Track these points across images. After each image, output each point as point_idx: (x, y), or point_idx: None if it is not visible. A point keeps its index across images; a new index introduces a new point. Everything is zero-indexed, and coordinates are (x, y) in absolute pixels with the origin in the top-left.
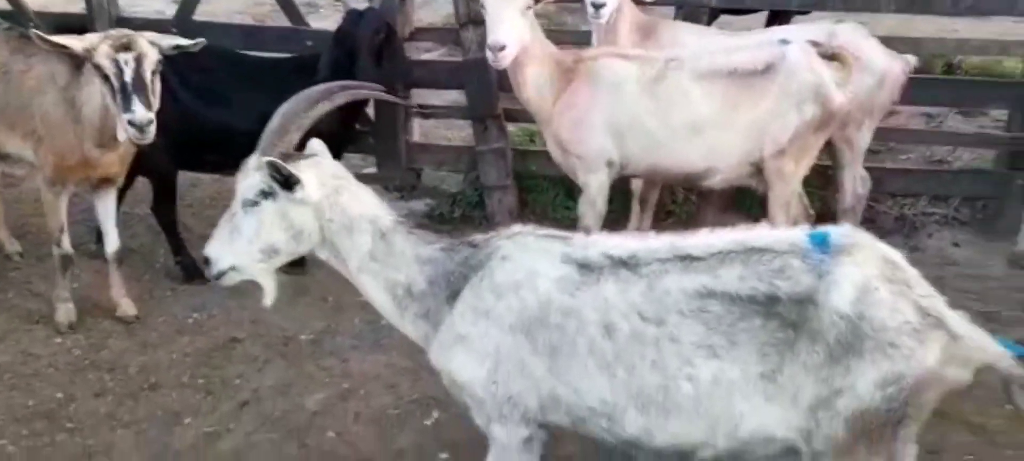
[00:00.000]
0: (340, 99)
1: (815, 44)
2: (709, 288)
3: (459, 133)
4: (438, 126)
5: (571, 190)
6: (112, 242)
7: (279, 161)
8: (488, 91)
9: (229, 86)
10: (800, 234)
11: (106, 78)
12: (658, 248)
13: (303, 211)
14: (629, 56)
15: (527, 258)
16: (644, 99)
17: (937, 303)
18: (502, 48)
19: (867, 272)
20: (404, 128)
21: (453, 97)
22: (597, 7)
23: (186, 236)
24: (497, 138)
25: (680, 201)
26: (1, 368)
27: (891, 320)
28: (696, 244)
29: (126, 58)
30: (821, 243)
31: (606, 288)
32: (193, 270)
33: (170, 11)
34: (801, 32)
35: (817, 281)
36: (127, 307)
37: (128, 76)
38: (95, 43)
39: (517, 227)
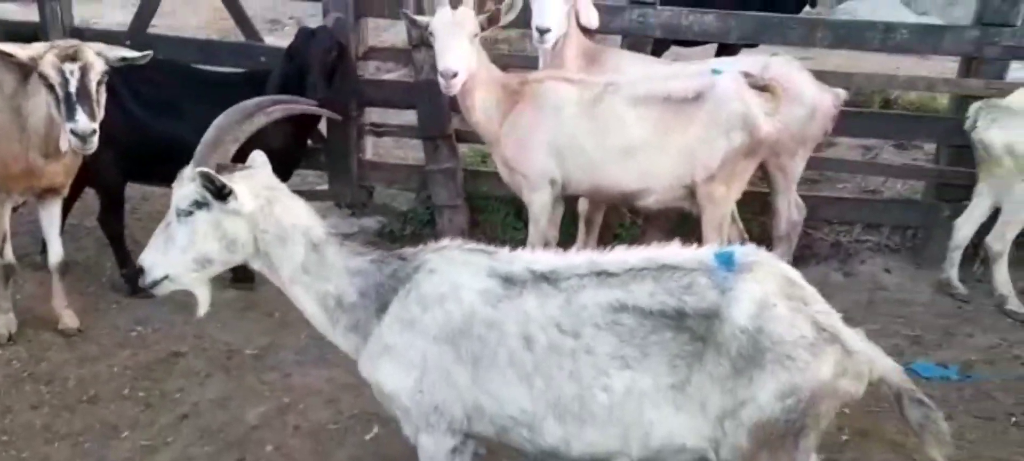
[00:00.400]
0: (276, 113)
1: (747, 75)
2: (622, 302)
3: (411, 152)
4: (391, 145)
5: (520, 211)
6: (55, 253)
7: (211, 172)
8: (439, 112)
9: (179, 99)
10: (708, 253)
11: (51, 87)
12: (578, 264)
13: (236, 221)
14: (571, 80)
15: (453, 271)
16: (583, 121)
17: (833, 319)
18: (454, 75)
19: (767, 288)
20: (357, 146)
21: (406, 117)
22: (542, 32)
23: (134, 249)
24: (448, 158)
25: (627, 224)
26: None
27: (788, 334)
28: (612, 260)
29: (71, 68)
30: (726, 261)
31: (527, 301)
32: (137, 284)
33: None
34: (738, 63)
35: (721, 297)
36: (69, 319)
37: (73, 86)
38: (41, 52)
39: (445, 241)
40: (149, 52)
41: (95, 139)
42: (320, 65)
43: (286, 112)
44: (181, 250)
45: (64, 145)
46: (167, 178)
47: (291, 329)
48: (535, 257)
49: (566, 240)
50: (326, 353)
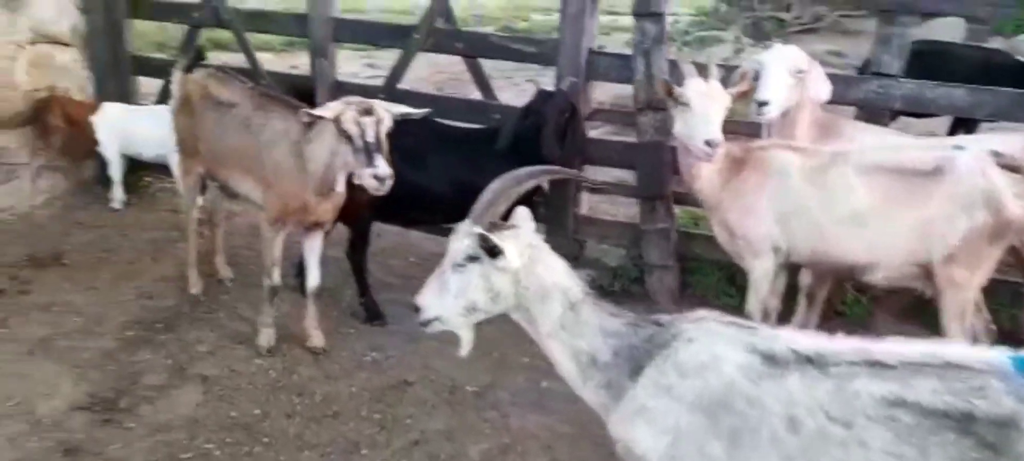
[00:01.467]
0: (543, 179)
1: (996, 153)
2: (900, 397)
3: (622, 209)
4: (603, 201)
5: (734, 276)
6: (314, 279)
7: (487, 234)
8: (659, 173)
9: (425, 150)
10: (1001, 356)
11: (350, 138)
12: (844, 350)
13: (503, 277)
14: (797, 147)
15: (712, 342)
16: (810, 187)
17: None
18: (718, 144)
19: None
20: (573, 201)
21: (617, 174)
22: (762, 105)
23: (368, 281)
24: (663, 218)
25: (850, 301)
26: (211, 380)
27: None
28: (885, 351)
29: (368, 122)
30: None
31: (791, 382)
32: (374, 312)
33: (363, 74)
34: (988, 141)
35: (1020, 406)
36: (317, 339)
37: (370, 137)
38: (341, 111)
39: (702, 312)
40: (428, 110)
41: (390, 182)
42: (555, 125)
43: (550, 178)
44: (453, 296)
45: (340, 186)
46: (410, 221)
47: (510, 371)
48: (796, 337)
49: (784, 314)
50: (543, 399)
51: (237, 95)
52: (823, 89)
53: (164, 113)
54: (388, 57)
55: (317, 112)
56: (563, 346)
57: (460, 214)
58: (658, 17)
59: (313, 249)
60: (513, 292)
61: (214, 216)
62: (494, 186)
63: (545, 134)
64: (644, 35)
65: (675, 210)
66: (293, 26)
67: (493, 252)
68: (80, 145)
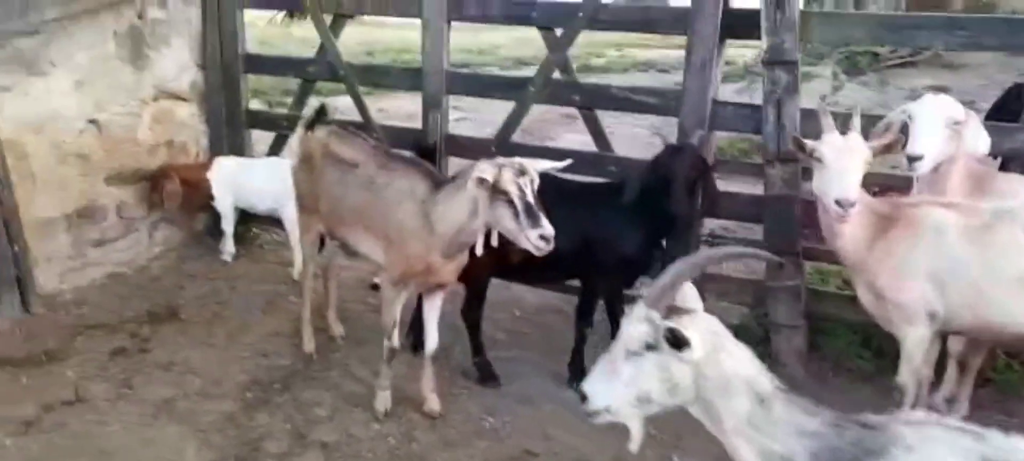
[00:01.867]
0: (725, 262)
1: None
2: None
3: (739, 264)
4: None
5: (868, 339)
6: (433, 341)
7: (678, 328)
8: (789, 228)
9: (549, 205)
10: None
11: (510, 201)
12: None
13: (683, 367)
14: (952, 204)
15: (935, 452)
16: (971, 248)
17: None
18: (852, 204)
19: None
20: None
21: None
22: (913, 160)
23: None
24: (792, 276)
25: (1000, 367)
26: (331, 446)
27: None
28: None
29: (524, 182)
30: None
31: None
32: (487, 373)
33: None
34: None
35: None
36: (433, 403)
37: (529, 197)
38: (497, 172)
39: (919, 415)
40: (569, 161)
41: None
42: (685, 180)
43: (738, 258)
44: (624, 385)
45: (479, 250)
46: (528, 277)
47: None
48: None
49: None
50: None
51: (360, 153)
52: (981, 141)
53: (276, 166)
54: (469, 103)
55: (482, 174)
56: (750, 445)
57: (581, 270)
58: (791, 65)
59: (432, 310)
60: (693, 384)
61: (328, 272)
62: (677, 267)
63: (675, 190)
64: (775, 84)
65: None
66: (406, 80)
67: (678, 342)
68: (196, 201)
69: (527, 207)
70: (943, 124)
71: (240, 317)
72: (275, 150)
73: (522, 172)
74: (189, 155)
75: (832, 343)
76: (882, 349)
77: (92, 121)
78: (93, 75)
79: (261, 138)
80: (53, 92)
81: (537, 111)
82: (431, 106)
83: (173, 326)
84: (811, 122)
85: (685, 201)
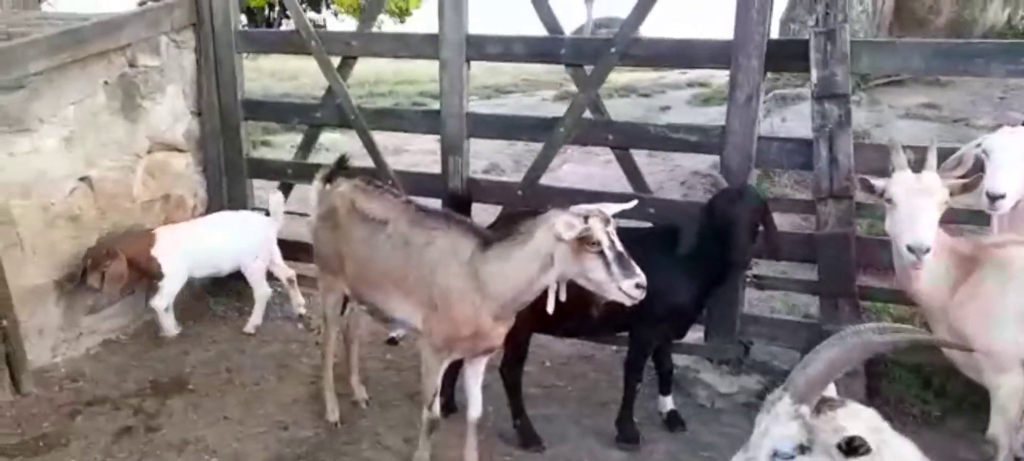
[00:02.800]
0: (884, 348)
1: None
2: None
3: (784, 304)
4: (762, 297)
5: (929, 381)
6: (477, 407)
7: (859, 437)
8: (845, 268)
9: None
10: None
11: (602, 252)
12: None
13: None
14: None
15: None
16: None
17: None
18: (927, 251)
19: None
20: (738, 297)
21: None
22: (994, 198)
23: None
24: (849, 318)
25: None
26: None
27: None
28: None
29: (611, 229)
30: None
31: None
32: (530, 436)
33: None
34: None
35: None
36: None
37: (619, 245)
38: (584, 223)
39: None
40: (634, 202)
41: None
42: (747, 224)
43: (906, 343)
44: None
45: (551, 307)
46: (571, 331)
47: None
48: None
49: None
50: None
51: (390, 210)
52: None
53: (227, 221)
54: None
55: (568, 227)
56: None
57: (631, 322)
58: (843, 98)
59: (476, 375)
60: None
61: (349, 333)
62: (832, 356)
63: (737, 237)
64: (826, 118)
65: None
66: (424, 123)
67: (855, 450)
68: (141, 282)
69: (618, 256)
70: (1022, 158)
71: (253, 384)
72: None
73: (606, 221)
74: (186, 209)
75: (892, 387)
76: (945, 390)
77: (83, 179)
78: (83, 129)
79: (264, 187)
80: (41, 150)
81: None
82: (451, 151)
83: (182, 398)
84: (860, 156)
85: (746, 248)
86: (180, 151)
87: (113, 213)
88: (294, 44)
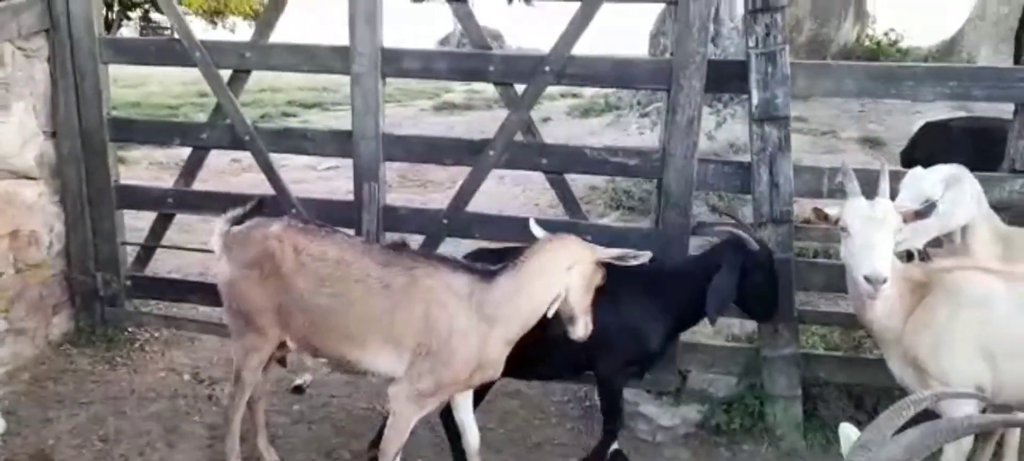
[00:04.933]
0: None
1: None
2: None
3: (710, 328)
4: None
5: (861, 401)
6: (475, 435)
7: None
8: (785, 293)
9: (619, 286)
10: None
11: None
12: None
13: None
14: (991, 270)
15: None
16: (1021, 317)
17: None
18: (883, 281)
19: None
20: None
21: None
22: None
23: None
24: (788, 343)
25: None
26: None
27: None
28: None
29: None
30: None
31: None
32: None
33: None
34: None
35: None
36: None
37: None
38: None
39: None
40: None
41: None
42: (763, 282)
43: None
44: None
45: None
46: (534, 371)
47: None
48: None
49: None
50: None
51: (347, 250)
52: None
53: None
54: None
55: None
56: None
57: (598, 362)
58: (783, 121)
59: (468, 405)
60: None
61: (257, 389)
62: (912, 442)
63: (761, 296)
64: (766, 141)
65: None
66: (333, 145)
67: None
68: None
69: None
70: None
71: (137, 455)
72: (156, 235)
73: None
74: (40, 247)
75: (827, 409)
76: (876, 411)
77: None
78: None
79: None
80: None
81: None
82: (366, 176)
83: None
84: (800, 179)
85: (728, 299)
86: (31, 179)
87: None
88: (174, 55)
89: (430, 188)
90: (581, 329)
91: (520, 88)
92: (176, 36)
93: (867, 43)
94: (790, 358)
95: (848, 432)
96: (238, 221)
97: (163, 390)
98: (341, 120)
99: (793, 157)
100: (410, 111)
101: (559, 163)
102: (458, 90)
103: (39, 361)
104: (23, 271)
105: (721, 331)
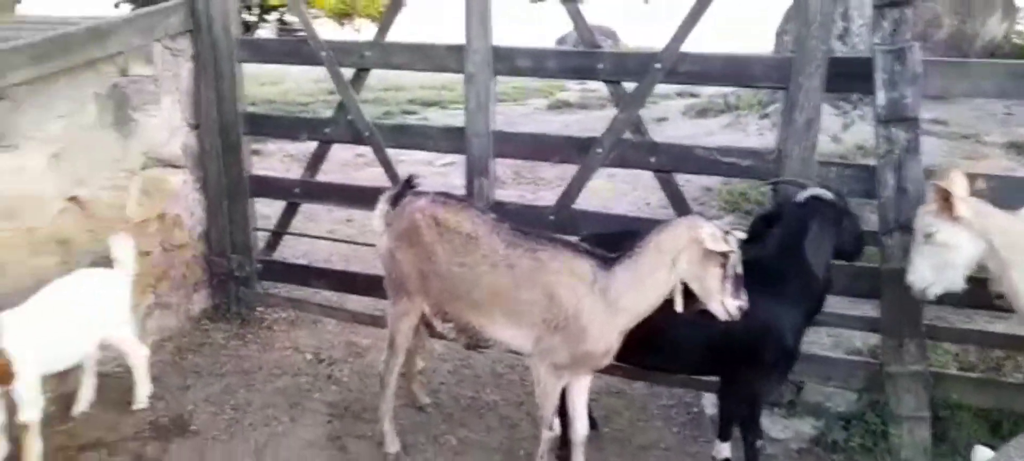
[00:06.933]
0: None
1: None
2: None
3: (830, 339)
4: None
5: (998, 426)
6: (584, 425)
7: None
8: (912, 305)
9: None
10: None
11: (724, 266)
12: None
13: None
14: None
15: None
16: None
17: None
18: None
19: None
20: None
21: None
22: None
23: None
24: (916, 360)
25: None
26: None
27: None
28: None
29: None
30: None
31: None
32: None
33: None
34: None
35: None
36: None
37: (739, 268)
38: (723, 234)
39: None
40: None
41: None
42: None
43: None
44: None
45: (680, 307)
46: (650, 364)
47: None
48: None
49: None
50: None
51: (478, 226)
52: None
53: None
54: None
55: (717, 243)
56: None
57: (730, 365)
58: (912, 122)
59: (582, 392)
60: None
61: (413, 346)
62: None
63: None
64: (893, 144)
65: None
66: (447, 141)
67: None
68: None
69: (736, 276)
70: None
71: (263, 425)
72: (284, 223)
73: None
74: (183, 230)
75: (958, 433)
76: (1014, 436)
77: (72, 199)
78: (72, 146)
79: (268, 205)
80: (25, 169)
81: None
82: (477, 172)
83: (186, 442)
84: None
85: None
86: (177, 167)
87: (106, 235)
88: (301, 54)
89: (541, 185)
90: (722, 310)
91: (630, 86)
92: (305, 37)
93: (1016, 40)
94: (918, 376)
95: (982, 455)
96: (394, 200)
97: (287, 367)
98: (456, 118)
99: (926, 161)
100: (525, 109)
101: (669, 162)
102: (573, 89)
103: (181, 334)
104: (169, 251)
105: (840, 343)
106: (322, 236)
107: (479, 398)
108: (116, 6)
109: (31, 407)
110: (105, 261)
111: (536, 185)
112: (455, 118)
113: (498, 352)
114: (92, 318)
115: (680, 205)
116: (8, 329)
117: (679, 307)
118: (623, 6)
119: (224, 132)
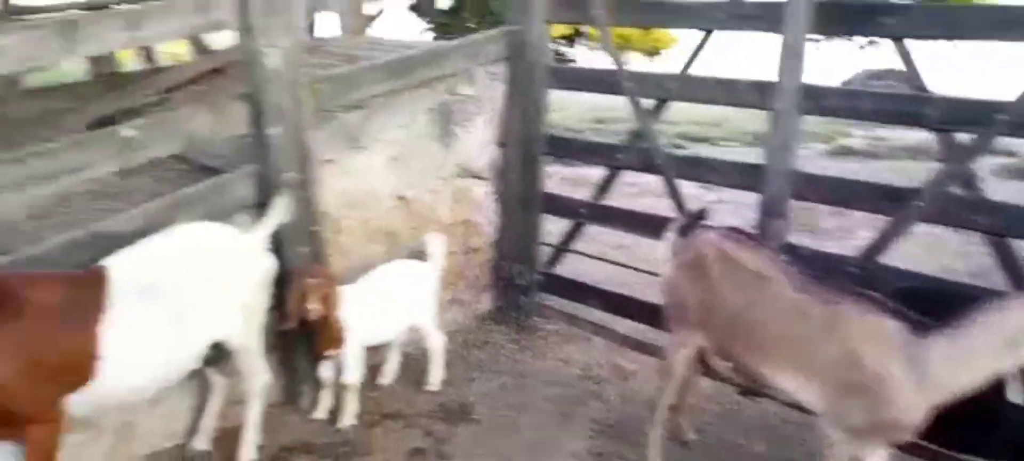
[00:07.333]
0: None
1: None
2: None
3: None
4: None
5: None
6: None
7: None
8: None
9: None
10: None
11: None
12: None
13: None
14: None
15: None
16: None
17: None
18: None
19: None
20: None
21: None
22: None
23: None
24: None
25: None
26: None
27: None
28: None
29: None
30: None
31: None
32: None
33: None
34: None
35: None
36: None
37: None
38: None
39: None
40: None
41: None
42: None
43: None
44: None
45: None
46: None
47: None
48: None
49: None
50: None
51: (769, 267)
52: None
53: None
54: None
55: None
56: None
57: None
58: None
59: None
60: None
61: (688, 383)
62: None
63: None
64: None
65: None
66: (740, 177)
67: None
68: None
69: None
70: None
71: (535, 427)
72: (568, 241)
73: None
74: (482, 237)
75: None
76: None
77: (401, 197)
78: (407, 152)
79: (554, 222)
80: (370, 168)
81: None
82: (772, 212)
83: (467, 428)
84: None
85: None
86: (482, 180)
87: (421, 232)
88: (605, 83)
89: (818, 233)
90: None
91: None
92: (612, 68)
93: None
94: None
95: None
96: (683, 230)
97: (557, 378)
98: (726, 155)
99: None
100: (803, 153)
101: (1004, 225)
102: (858, 135)
103: (468, 330)
104: (468, 254)
105: None
106: (603, 258)
107: (746, 447)
108: (431, 32)
109: (353, 371)
110: (419, 255)
111: (813, 232)
112: (724, 155)
113: (771, 404)
114: (407, 303)
115: (1015, 276)
116: (346, 302)
117: (1016, 397)
118: (924, 50)
119: (525, 150)
